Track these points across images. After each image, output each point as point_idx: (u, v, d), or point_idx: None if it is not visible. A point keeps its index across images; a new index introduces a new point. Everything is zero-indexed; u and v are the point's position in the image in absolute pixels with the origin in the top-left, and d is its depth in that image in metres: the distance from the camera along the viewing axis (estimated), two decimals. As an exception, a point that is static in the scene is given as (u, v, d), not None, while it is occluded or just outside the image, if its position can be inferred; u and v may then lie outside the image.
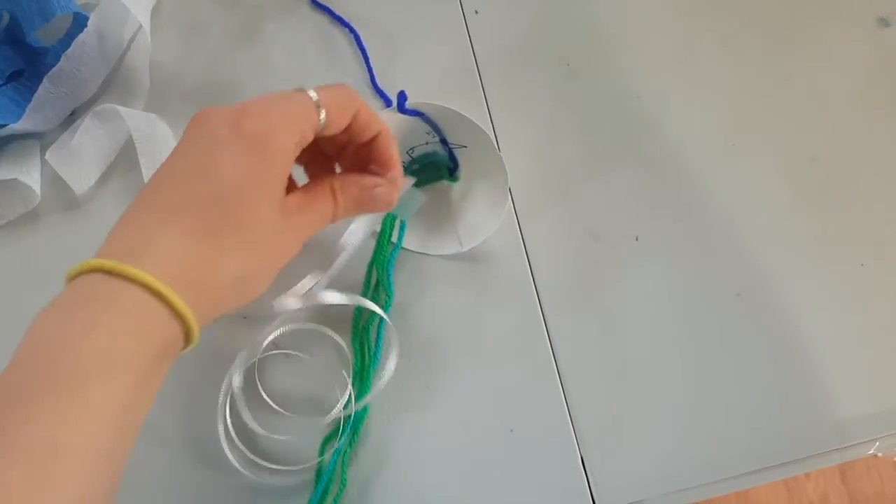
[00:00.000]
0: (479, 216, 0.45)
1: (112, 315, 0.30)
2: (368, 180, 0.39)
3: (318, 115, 0.35)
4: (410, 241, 0.46)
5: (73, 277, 0.31)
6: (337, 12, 0.52)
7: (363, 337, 0.44)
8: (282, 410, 0.43)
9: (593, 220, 0.47)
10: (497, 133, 0.49)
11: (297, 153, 0.35)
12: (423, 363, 0.45)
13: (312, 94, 0.35)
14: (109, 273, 0.30)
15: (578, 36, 0.51)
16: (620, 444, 0.43)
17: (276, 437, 0.43)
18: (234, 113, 0.34)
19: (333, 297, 0.42)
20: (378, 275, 0.44)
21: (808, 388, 0.44)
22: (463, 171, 0.45)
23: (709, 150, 0.48)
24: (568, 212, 0.47)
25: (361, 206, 0.39)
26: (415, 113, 0.42)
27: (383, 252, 0.44)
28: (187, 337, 0.32)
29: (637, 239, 0.46)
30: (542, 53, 0.50)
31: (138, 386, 0.30)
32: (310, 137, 0.35)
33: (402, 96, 0.42)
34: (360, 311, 0.45)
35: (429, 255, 0.46)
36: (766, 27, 0.51)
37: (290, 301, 0.41)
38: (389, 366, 0.42)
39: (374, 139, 0.38)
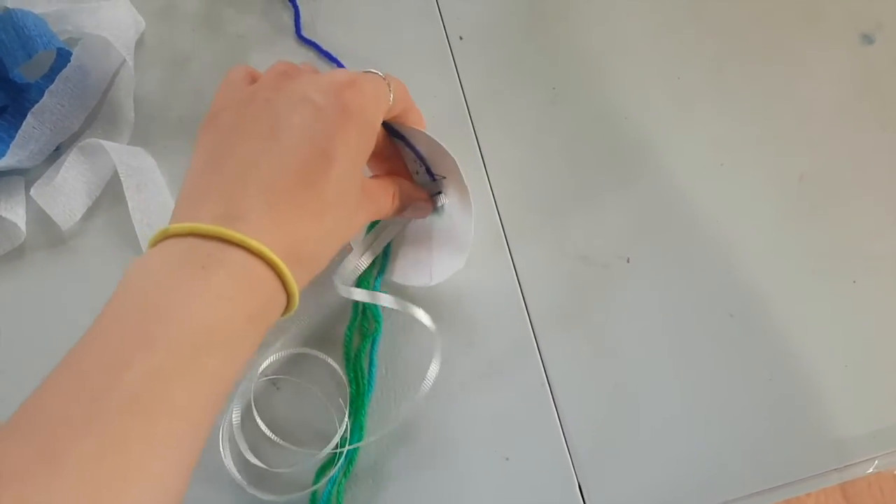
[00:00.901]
0: (453, 251, 0.44)
1: (228, 282, 0.29)
2: (417, 192, 0.42)
3: (390, 96, 0.37)
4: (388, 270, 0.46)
5: (160, 241, 0.31)
6: (323, 46, 0.52)
7: (356, 365, 0.44)
8: (280, 441, 0.43)
9: (584, 242, 0.47)
10: (484, 157, 0.49)
11: (378, 126, 0.37)
12: (415, 391, 0.44)
13: (380, 73, 0.38)
14: (222, 240, 0.30)
15: (563, 59, 0.51)
16: (617, 468, 0.43)
17: (274, 470, 0.42)
18: (331, 83, 0.35)
19: (388, 300, 0.42)
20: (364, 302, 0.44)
21: (805, 408, 0.44)
22: (447, 204, 0.45)
23: (697, 170, 0.48)
24: (558, 234, 0.47)
25: (405, 212, 0.42)
26: (399, 136, 0.42)
27: (367, 278, 0.44)
28: (287, 307, 0.32)
29: (628, 261, 0.46)
30: (528, 78, 0.50)
31: (242, 351, 0.30)
32: (383, 115, 0.38)
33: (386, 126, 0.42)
34: (350, 336, 0.44)
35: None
36: (749, 46, 0.51)
37: (357, 291, 0.41)
38: (426, 384, 0.41)
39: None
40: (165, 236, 0.30)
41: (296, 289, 0.32)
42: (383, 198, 0.40)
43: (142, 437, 0.26)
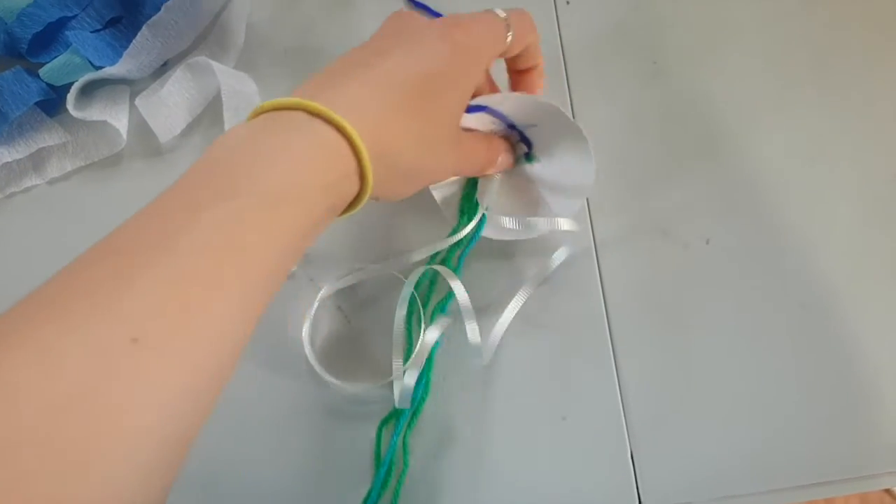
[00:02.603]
0: (568, 187, 0.44)
1: (306, 145, 0.30)
2: (501, 143, 0.44)
3: (507, 37, 0.38)
4: (493, 231, 0.45)
5: (265, 111, 0.32)
6: (429, 4, 0.53)
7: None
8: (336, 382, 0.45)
9: (666, 219, 0.47)
10: (578, 122, 0.49)
11: (489, 65, 0.39)
12: (484, 344, 0.45)
13: (502, 14, 0.38)
14: (308, 111, 0.31)
15: (668, 34, 0.50)
16: (671, 444, 0.43)
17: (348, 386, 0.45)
18: (442, 23, 0.37)
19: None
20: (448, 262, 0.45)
21: (866, 408, 0.43)
22: (538, 150, 0.45)
23: (789, 160, 0.47)
24: (641, 208, 0.47)
25: (488, 169, 0.43)
26: (475, 110, 0.42)
27: (460, 242, 0.44)
28: (357, 197, 0.33)
29: (708, 242, 0.46)
30: (630, 49, 0.50)
31: (315, 219, 0.31)
32: (496, 56, 0.39)
33: None
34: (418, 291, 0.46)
35: (511, 240, 0.46)
36: (858, 42, 0.50)
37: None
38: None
39: (529, 70, 0.43)
40: (259, 111, 0.32)
41: (370, 174, 0.32)
42: (477, 150, 0.41)
43: (209, 276, 0.26)
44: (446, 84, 0.35)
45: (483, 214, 0.44)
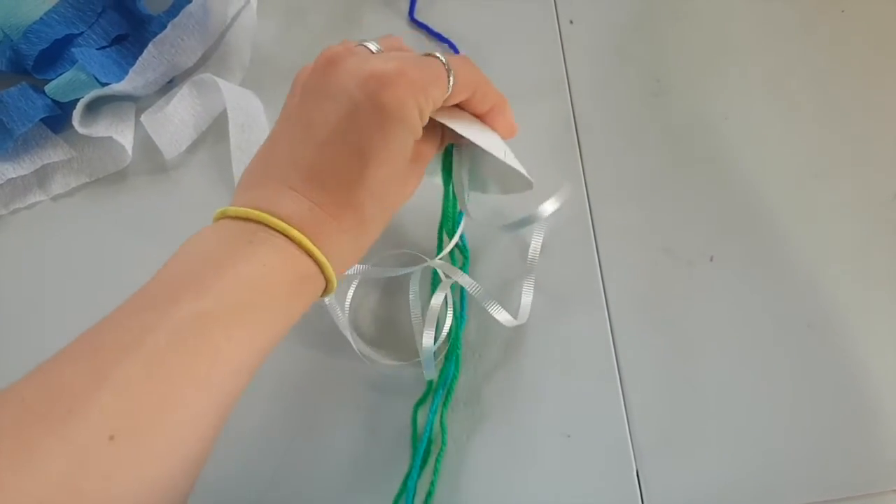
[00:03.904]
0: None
1: (270, 256, 0.32)
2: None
3: (448, 84, 0.35)
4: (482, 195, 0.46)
5: (219, 219, 0.34)
6: (434, 27, 0.53)
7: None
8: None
9: (669, 237, 0.47)
10: (580, 140, 0.49)
11: (426, 120, 0.35)
12: (488, 358, 0.45)
13: (442, 59, 0.35)
14: (267, 226, 0.33)
15: (671, 53, 0.51)
16: (676, 462, 0.43)
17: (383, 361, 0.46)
18: (372, 76, 0.33)
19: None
20: (449, 237, 0.45)
21: (872, 426, 0.43)
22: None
23: (791, 178, 0.48)
24: (645, 225, 0.47)
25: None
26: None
27: (449, 215, 0.44)
28: (326, 288, 0.35)
29: (712, 259, 0.46)
30: (633, 68, 0.51)
31: (282, 317, 0.32)
32: (438, 105, 0.36)
33: None
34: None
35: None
36: (859, 62, 0.50)
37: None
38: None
39: (489, 111, 0.40)
40: (224, 216, 0.34)
41: (333, 275, 0.34)
42: (432, 148, 0.40)
43: (184, 371, 0.28)
44: (379, 156, 0.34)
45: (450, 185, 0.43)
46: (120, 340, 0.27)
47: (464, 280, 0.43)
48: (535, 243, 0.45)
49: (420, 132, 0.35)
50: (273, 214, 0.33)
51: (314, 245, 0.33)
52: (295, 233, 0.32)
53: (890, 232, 0.47)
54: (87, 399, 0.25)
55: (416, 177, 0.39)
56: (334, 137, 0.34)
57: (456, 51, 0.52)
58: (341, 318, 0.45)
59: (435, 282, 0.47)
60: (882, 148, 0.48)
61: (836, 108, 0.50)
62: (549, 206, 0.42)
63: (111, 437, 0.25)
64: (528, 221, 0.42)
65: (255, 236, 0.32)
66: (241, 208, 0.33)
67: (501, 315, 0.43)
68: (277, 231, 0.32)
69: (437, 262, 0.44)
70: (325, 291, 0.35)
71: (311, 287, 0.34)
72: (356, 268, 0.45)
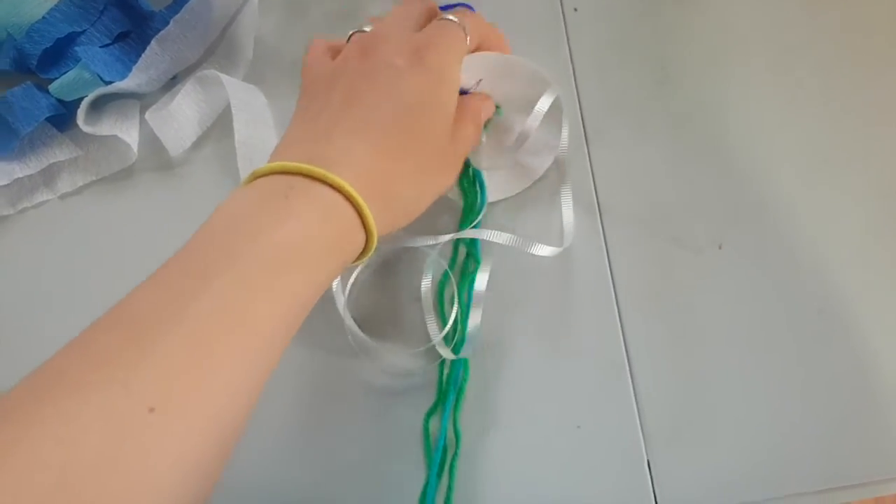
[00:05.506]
0: (544, 131, 0.46)
1: (308, 209, 0.31)
2: (488, 103, 0.44)
3: (466, 40, 0.40)
4: (495, 192, 0.47)
5: (259, 177, 0.33)
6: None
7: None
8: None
9: (678, 225, 0.46)
10: (587, 128, 0.49)
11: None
12: (497, 348, 0.45)
13: (455, 19, 0.40)
14: (305, 175, 0.32)
15: (677, 41, 0.50)
16: (688, 451, 0.43)
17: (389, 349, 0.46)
18: (411, 46, 0.37)
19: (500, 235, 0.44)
20: (466, 243, 0.46)
21: (881, 413, 0.43)
22: (498, 101, 0.47)
23: (800, 164, 0.47)
24: (653, 213, 0.47)
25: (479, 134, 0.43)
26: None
27: (469, 215, 0.45)
28: (365, 247, 0.34)
29: (721, 247, 0.46)
30: (638, 56, 0.50)
31: (320, 283, 0.32)
32: (464, 56, 0.40)
33: None
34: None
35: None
36: (867, 51, 0.50)
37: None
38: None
39: (493, 47, 0.45)
40: (255, 177, 0.33)
41: (374, 227, 0.33)
42: (470, 138, 0.41)
43: (219, 344, 0.27)
44: (430, 110, 0.36)
45: (481, 180, 0.46)
46: (159, 310, 0.27)
47: (496, 236, 0.44)
48: (564, 133, 0.46)
49: (457, 86, 0.39)
50: (313, 163, 0.32)
51: (366, 205, 0.32)
52: (335, 178, 0.32)
53: (900, 221, 0.46)
54: (125, 370, 0.25)
55: (454, 165, 0.40)
56: (386, 97, 0.35)
57: (471, 9, 0.51)
58: (342, 301, 0.45)
59: (444, 280, 0.46)
60: (892, 133, 0.48)
61: (845, 93, 0.49)
62: (543, 103, 0.45)
63: (151, 409, 0.25)
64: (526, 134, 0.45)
65: (292, 189, 0.31)
66: (278, 162, 0.33)
67: (546, 250, 0.44)
68: (317, 179, 0.32)
69: (467, 232, 0.45)
70: (364, 251, 0.34)
71: (350, 244, 0.33)
72: None
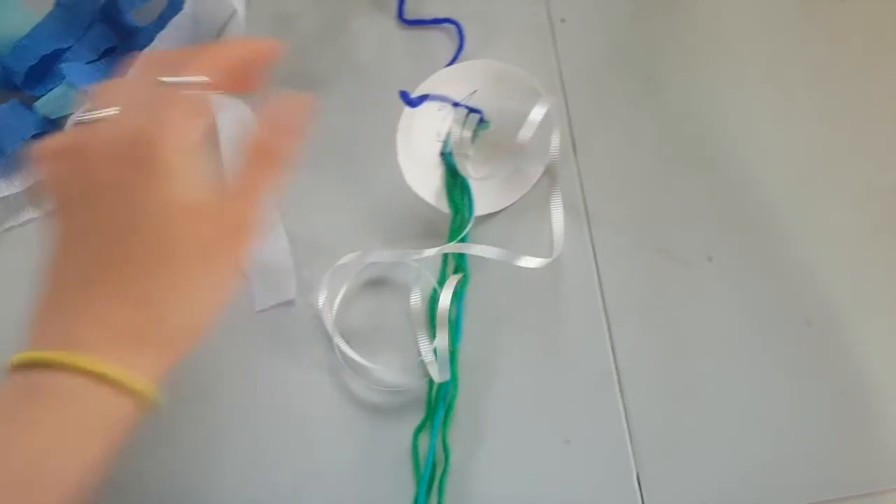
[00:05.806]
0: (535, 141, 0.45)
1: (53, 411, 0.28)
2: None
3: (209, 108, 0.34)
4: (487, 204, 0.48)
5: (15, 368, 0.30)
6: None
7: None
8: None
9: (667, 237, 0.46)
10: (575, 139, 0.49)
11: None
12: (486, 364, 0.45)
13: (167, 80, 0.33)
14: (47, 365, 0.29)
15: (664, 51, 0.50)
16: (677, 464, 0.43)
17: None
18: (119, 147, 0.31)
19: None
20: (455, 256, 0.46)
21: (872, 425, 0.43)
22: (487, 114, 0.48)
23: (789, 174, 0.47)
24: (641, 225, 0.47)
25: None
26: (419, 101, 0.44)
27: (458, 229, 0.46)
28: (146, 403, 0.30)
29: (710, 259, 0.46)
30: (627, 65, 0.50)
31: (92, 467, 0.29)
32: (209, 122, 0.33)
33: (403, 95, 0.44)
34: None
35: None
36: (856, 55, 0.49)
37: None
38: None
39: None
40: (19, 364, 0.30)
41: (149, 392, 0.30)
42: (248, 211, 0.34)
43: None
44: (160, 221, 0.30)
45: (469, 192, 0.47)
46: None
47: (483, 250, 0.44)
48: (555, 140, 0.46)
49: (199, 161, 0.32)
50: (64, 348, 0.28)
51: (125, 369, 0.29)
52: (88, 363, 0.28)
53: (889, 227, 0.46)
54: None
55: (226, 253, 0.33)
56: (119, 236, 0.31)
57: (459, 29, 0.51)
58: (330, 318, 0.46)
59: (433, 296, 0.46)
60: (881, 143, 0.48)
61: (835, 102, 0.49)
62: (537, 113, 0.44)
63: None
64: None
65: (43, 389, 0.28)
66: (25, 353, 0.29)
67: (535, 262, 0.44)
68: (74, 369, 0.28)
69: (451, 246, 0.45)
70: (148, 402, 0.30)
71: (126, 422, 0.30)
72: (355, 255, 0.46)
